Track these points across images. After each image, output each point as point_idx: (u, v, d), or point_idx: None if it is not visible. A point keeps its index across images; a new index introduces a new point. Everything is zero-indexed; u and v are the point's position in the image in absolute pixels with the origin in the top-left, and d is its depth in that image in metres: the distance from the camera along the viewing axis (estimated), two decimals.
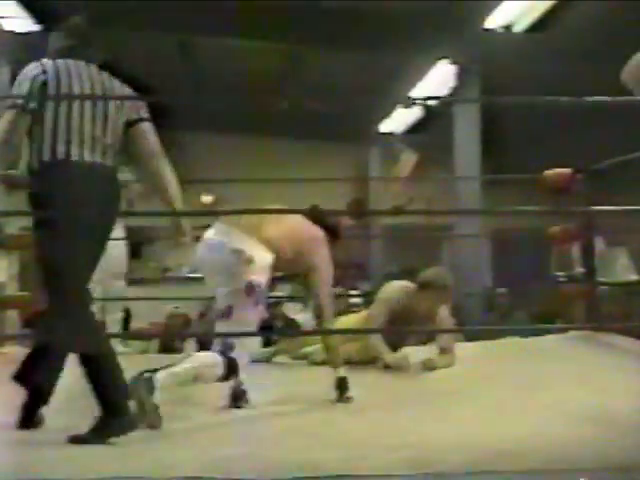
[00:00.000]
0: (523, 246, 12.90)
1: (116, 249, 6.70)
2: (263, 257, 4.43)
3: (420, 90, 12.62)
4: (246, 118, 13.79)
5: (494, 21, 9.53)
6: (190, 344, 8.33)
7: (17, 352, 6.25)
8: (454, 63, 11.26)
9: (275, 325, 8.78)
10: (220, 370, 4.18)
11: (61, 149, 3.66)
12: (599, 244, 8.04)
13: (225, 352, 4.21)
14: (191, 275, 17.31)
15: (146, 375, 3.98)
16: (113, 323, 6.75)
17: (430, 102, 13.89)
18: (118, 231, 6.68)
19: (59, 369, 3.97)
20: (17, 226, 6.49)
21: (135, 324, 10.29)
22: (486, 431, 3.59)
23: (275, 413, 4.17)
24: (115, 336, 6.81)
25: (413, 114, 14.77)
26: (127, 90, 4.03)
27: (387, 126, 15.94)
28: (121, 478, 3.04)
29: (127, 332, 9.43)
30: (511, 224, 12.11)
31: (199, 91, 13.09)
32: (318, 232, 4.86)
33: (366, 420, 3.97)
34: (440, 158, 12.71)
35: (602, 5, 8.81)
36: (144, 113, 4.01)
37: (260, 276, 4.39)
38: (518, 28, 9.51)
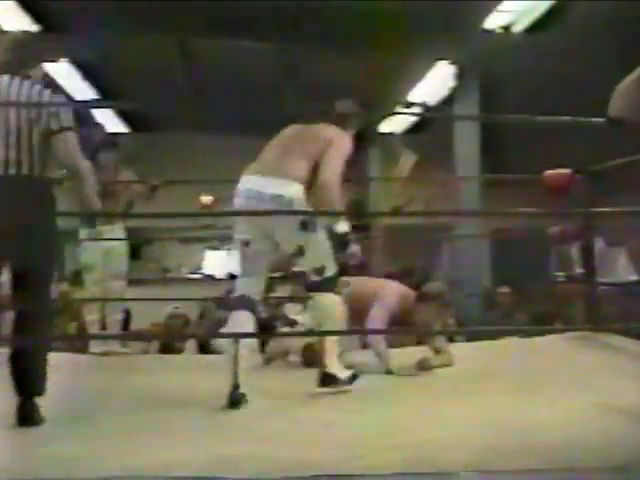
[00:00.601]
0: (523, 246, 12.90)
1: (116, 249, 6.72)
2: (297, 191, 4.64)
3: (420, 90, 12.64)
4: (246, 119, 13.79)
5: (493, 22, 9.54)
6: (190, 345, 8.33)
7: None
8: (453, 64, 11.28)
9: (275, 326, 8.77)
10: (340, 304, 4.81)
11: None
12: (599, 245, 8.04)
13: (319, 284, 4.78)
14: (191, 276, 17.41)
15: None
16: (113, 324, 6.76)
17: (427, 109, 13.89)
18: (118, 232, 6.70)
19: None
20: None
21: (135, 325, 10.30)
22: (485, 430, 3.60)
23: (275, 412, 4.17)
24: (116, 337, 6.83)
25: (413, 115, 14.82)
26: (56, 99, 4.23)
27: (387, 126, 15.97)
28: (122, 477, 3.05)
29: (127, 333, 9.45)
30: (511, 224, 12.12)
31: (198, 92, 13.09)
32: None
33: (365, 419, 3.97)
34: (440, 158, 12.72)
35: (600, 6, 8.82)
36: (65, 122, 4.14)
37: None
38: (517, 29, 9.53)
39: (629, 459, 3.11)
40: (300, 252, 4.74)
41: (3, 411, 3.96)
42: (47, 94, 4.14)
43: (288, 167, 4.72)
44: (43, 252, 4.03)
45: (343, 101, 5.27)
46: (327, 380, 4.64)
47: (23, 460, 3.22)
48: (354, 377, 4.77)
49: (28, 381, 3.95)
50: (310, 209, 4.74)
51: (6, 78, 4.10)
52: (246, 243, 4.78)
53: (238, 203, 4.83)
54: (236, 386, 4.39)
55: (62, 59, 11.18)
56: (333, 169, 4.76)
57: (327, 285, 4.81)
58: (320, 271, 4.78)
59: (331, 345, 4.75)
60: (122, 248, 6.82)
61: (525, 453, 3.20)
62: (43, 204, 4.07)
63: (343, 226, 4.77)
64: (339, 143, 4.86)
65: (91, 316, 6.74)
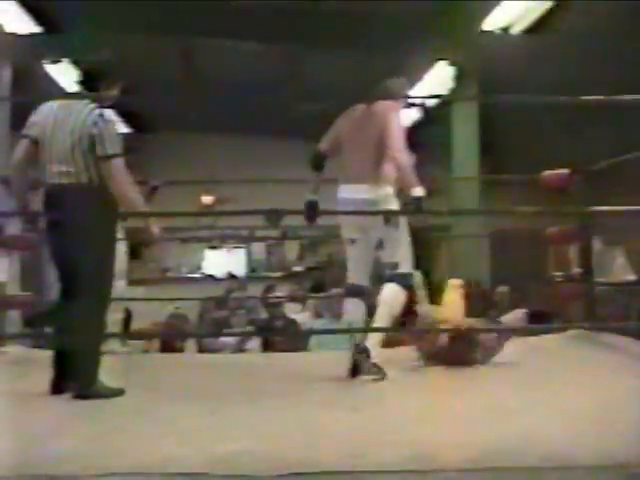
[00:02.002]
0: (521, 246, 12.91)
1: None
2: (380, 192, 5.27)
3: (418, 91, 12.64)
4: (247, 119, 13.80)
5: (492, 23, 9.55)
6: (191, 344, 8.36)
7: (18, 351, 6.30)
8: (452, 64, 11.28)
9: (275, 325, 8.81)
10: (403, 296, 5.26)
11: None
12: (597, 244, 8.07)
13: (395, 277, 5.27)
14: (191, 276, 17.41)
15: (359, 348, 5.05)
16: (114, 323, 6.76)
17: (428, 102, 13.88)
18: (118, 232, 6.71)
19: None
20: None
21: (135, 324, 10.32)
22: (485, 428, 3.61)
23: (276, 409, 4.17)
24: (115, 336, 6.84)
25: (411, 115, 14.79)
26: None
27: None
28: (123, 474, 3.06)
29: (128, 332, 9.46)
30: (509, 224, 12.14)
31: (199, 92, 13.09)
32: None
33: (367, 417, 3.98)
34: (439, 159, 12.72)
35: (598, 7, 8.85)
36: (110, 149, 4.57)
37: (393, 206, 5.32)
38: (516, 30, 9.54)
39: (629, 457, 3.14)
40: (380, 245, 5.31)
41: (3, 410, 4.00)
42: (93, 115, 4.55)
43: (369, 172, 5.29)
44: (90, 252, 4.45)
45: (394, 80, 5.73)
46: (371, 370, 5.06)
47: (23, 457, 3.21)
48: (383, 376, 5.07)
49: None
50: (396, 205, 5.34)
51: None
52: (352, 241, 5.44)
53: (339, 209, 5.51)
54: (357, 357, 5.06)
55: (63, 59, 11.17)
56: (397, 146, 5.26)
57: (399, 279, 5.29)
58: (394, 267, 5.31)
59: (378, 335, 5.22)
60: (121, 248, 6.81)
61: (524, 451, 3.21)
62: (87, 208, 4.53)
63: (418, 191, 5.17)
64: (392, 121, 5.35)
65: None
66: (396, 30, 10.15)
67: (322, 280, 12.65)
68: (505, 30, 9.60)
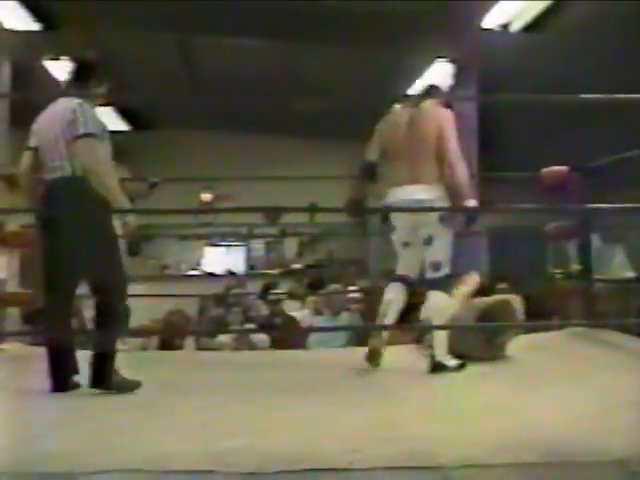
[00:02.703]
0: (521, 243, 12.92)
1: None
2: (432, 193, 5.45)
3: (418, 89, 12.63)
4: (246, 116, 13.81)
5: (492, 20, 9.54)
6: (190, 341, 8.36)
7: (17, 349, 6.31)
8: (452, 62, 11.27)
9: (274, 322, 8.82)
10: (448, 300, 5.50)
11: None
12: (596, 241, 8.08)
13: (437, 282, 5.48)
14: (190, 272, 17.42)
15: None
16: None
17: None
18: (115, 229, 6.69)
19: None
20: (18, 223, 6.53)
21: (134, 321, 10.31)
22: (483, 425, 3.62)
23: (274, 406, 4.18)
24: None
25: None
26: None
27: None
28: (118, 471, 3.06)
29: (127, 329, 9.45)
30: (509, 221, 12.15)
31: (199, 90, 13.10)
32: None
33: (364, 414, 3.98)
34: None
35: (598, 5, 8.85)
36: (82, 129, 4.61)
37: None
38: (515, 27, 9.53)
39: (628, 453, 3.14)
40: (429, 240, 5.48)
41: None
42: (72, 103, 4.64)
43: (422, 174, 5.48)
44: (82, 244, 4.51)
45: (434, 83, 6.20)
46: (437, 367, 5.27)
47: (19, 454, 3.21)
48: (462, 365, 5.36)
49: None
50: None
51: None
52: (405, 244, 5.66)
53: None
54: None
55: (63, 57, 11.16)
56: (454, 150, 5.50)
57: (441, 284, 5.47)
58: (436, 266, 5.49)
59: (442, 337, 5.35)
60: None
61: (522, 447, 3.22)
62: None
63: (472, 202, 5.44)
64: (448, 122, 5.55)
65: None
66: (396, 28, 10.14)
67: (321, 277, 12.66)
68: (505, 27, 9.59)
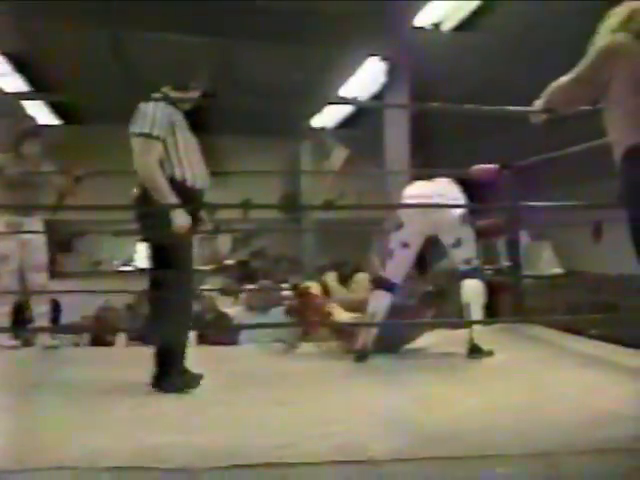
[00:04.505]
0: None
1: (34, 242, 6.62)
2: (453, 190, 5.75)
3: (352, 86, 12.68)
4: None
5: (423, 19, 9.62)
6: (121, 337, 8.31)
7: None
8: (384, 60, 11.33)
9: (204, 318, 8.78)
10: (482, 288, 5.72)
11: None
12: (524, 238, 8.21)
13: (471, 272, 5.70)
14: (122, 268, 17.30)
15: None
16: (39, 316, 6.66)
17: (359, 102, 13.95)
18: (37, 225, 6.62)
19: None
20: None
21: (65, 318, 10.23)
22: (412, 419, 3.68)
23: (206, 402, 4.19)
24: (43, 330, 6.76)
25: (344, 109, 14.87)
26: None
27: (319, 121, 16.02)
28: (48, 469, 3.05)
29: (58, 326, 9.37)
30: None
31: (135, 87, 12.99)
32: None
33: (299, 409, 4.03)
34: (370, 153, 12.79)
35: (525, 7, 8.98)
36: None
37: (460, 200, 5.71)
38: (446, 26, 9.63)
39: (554, 446, 3.22)
40: (458, 243, 5.67)
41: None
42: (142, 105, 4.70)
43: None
44: None
45: None
46: (474, 350, 5.56)
47: None
48: (491, 352, 5.59)
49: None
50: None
51: None
52: (405, 245, 5.70)
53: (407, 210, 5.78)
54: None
55: None
56: None
57: (475, 273, 5.71)
58: (469, 261, 5.70)
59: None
60: (40, 240, 6.70)
61: (450, 440, 3.29)
62: None
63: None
64: None
65: (3, 308, 6.60)
66: (329, 25, 10.18)
67: (253, 273, 12.65)
68: (436, 26, 9.68)
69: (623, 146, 3.49)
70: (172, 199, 4.50)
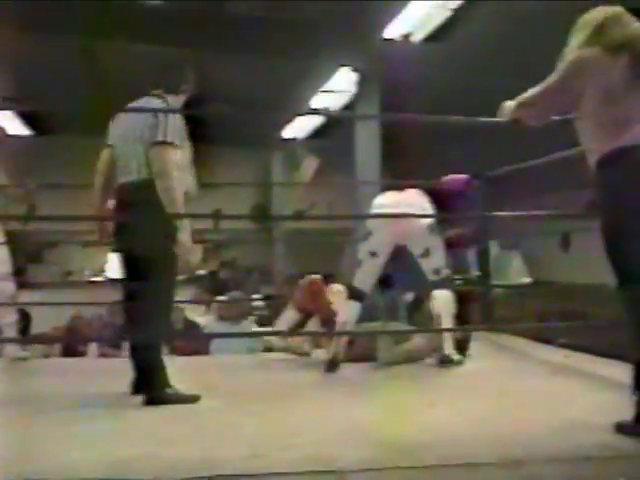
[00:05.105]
0: None
1: None
2: (421, 201, 5.80)
3: (323, 96, 12.72)
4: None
5: (394, 30, 9.67)
6: (93, 347, 8.26)
7: None
8: (355, 71, 11.37)
9: (174, 328, 8.74)
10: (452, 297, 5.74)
11: None
12: (494, 248, 8.25)
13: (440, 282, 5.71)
14: (93, 279, 17.21)
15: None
16: (8, 326, 6.58)
17: (330, 113, 14.00)
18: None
19: None
20: None
21: (36, 328, 10.15)
22: (382, 429, 3.68)
23: (177, 413, 4.17)
24: (11, 341, 6.68)
25: (315, 120, 14.92)
26: None
27: (290, 132, 16.05)
28: None
29: (27, 337, 9.30)
30: None
31: (102, 96, 12.94)
32: None
33: (266, 419, 4.02)
34: (341, 163, 12.83)
35: (495, 18, 9.05)
36: None
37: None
38: (416, 38, 9.69)
39: (525, 454, 3.24)
40: (427, 253, 5.67)
41: None
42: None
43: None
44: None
45: None
46: (445, 360, 5.60)
47: None
48: (461, 361, 5.66)
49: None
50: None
51: None
52: (373, 254, 5.68)
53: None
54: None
55: None
56: None
57: (444, 284, 5.73)
58: (438, 271, 5.70)
59: (450, 333, 5.70)
60: (2, 250, 6.62)
61: (422, 450, 3.29)
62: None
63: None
64: None
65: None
66: (300, 36, 10.21)
67: (225, 283, 12.62)
68: (406, 38, 9.74)
69: (597, 154, 3.52)
70: (182, 210, 4.45)
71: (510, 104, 4.02)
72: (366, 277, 5.77)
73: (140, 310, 4.45)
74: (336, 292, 6.23)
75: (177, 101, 4.78)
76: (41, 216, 5.03)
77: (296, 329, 6.38)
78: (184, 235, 4.48)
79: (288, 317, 6.60)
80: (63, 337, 9.31)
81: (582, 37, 3.64)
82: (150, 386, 4.44)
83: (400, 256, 5.85)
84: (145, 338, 4.48)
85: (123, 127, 4.66)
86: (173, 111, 4.56)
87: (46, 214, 7.17)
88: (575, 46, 3.66)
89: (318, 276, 6.54)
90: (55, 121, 15.61)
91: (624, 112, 3.47)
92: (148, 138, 4.45)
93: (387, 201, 5.83)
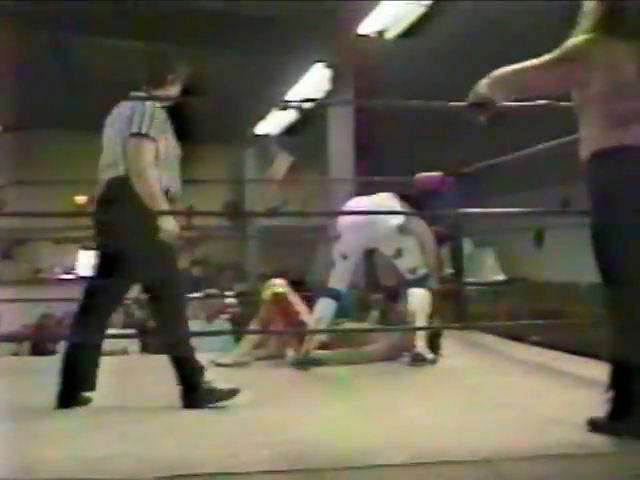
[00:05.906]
0: None
1: None
2: (392, 203, 5.90)
3: (296, 93, 12.69)
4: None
5: (368, 27, 9.66)
6: (62, 346, 8.20)
7: None
8: (329, 67, 11.36)
9: (146, 326, 8.72)
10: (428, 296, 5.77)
11: None
12: (467, 245, 8.26)
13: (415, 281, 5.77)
14: (64, 276, 17.11)
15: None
16: None
17: (304, 105, 13.98)
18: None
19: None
20: None
21: (5, 326, 10.08)
22: (356, 428, 3.67)
23: (150, 412, 4.14)
24: None
25: (288, 116, 14.89)
26: None
27: (263, 128, 16.02)
28: None
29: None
30: None
31: (72, 91, 12.85)
32: None
33: (239, 418, 4.01)
34: (315, 160, 12.82)
35: (471, 14, 9.06)
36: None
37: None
38: (390, 34, 9.68)
39: (497, 453, 3.23)
40: (399, 254, 5.74)
41: None
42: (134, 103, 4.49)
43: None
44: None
45: None
46: (417, 359, 5.58)
47: None
48: (434, 360, 5.68)
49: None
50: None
51: None
52: (344, 256, 5.77)
53: (344, 220, 5.84)
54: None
55: None
56: None
57: (419, 283, 5.76)
58: (413, 270, 5.77)
59: (423, 331, 5.73)
60: None
61: (394, 449, 3.27)
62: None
63: None
64: None
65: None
66: (273, 31, 10.18)
67: (198, 281, 12.57)
68: (380, 34, 9.72)
69: (594, 145, 3.38)
70: (164, 205, 4.32)
71: (485, 81, 3.77)
72: (339, 277, 5.83)
73: (167, 311, 4.46)
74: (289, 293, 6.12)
75: (166, 94, 4.68)
76: (11, 213, 4.95)
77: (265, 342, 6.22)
78: (168, 222, 4.33)
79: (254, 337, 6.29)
80: (32, 335, 9.24)
81: (588, 23, 3.47)
82: (190, 385, 4.38)
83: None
84: (174, 337, 4.51)
85: (108, 124, 4.59)
86: (148, 98, 4.48)
87: (15, 210, 7.07)
88: (581, 31, 3.49)
89: (282, 285, 6.26)
90: (24, 116, 15.49)
91: (635, 105, 3.33)
92: (125, 132, 4.36)
93: (356, 205, 5.94)
